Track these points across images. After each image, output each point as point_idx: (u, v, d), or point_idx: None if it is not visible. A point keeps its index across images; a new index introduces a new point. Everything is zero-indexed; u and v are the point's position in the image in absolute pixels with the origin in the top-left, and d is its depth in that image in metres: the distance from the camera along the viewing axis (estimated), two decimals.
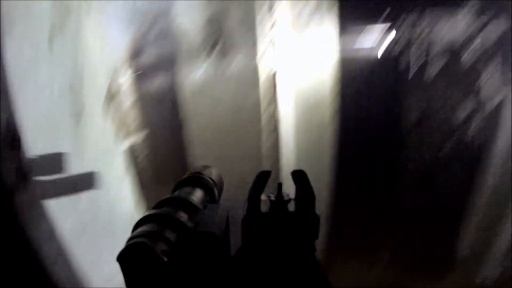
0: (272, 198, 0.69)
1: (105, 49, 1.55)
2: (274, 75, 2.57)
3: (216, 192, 0.86)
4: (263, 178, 0.66)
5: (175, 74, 2.92)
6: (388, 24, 2.52)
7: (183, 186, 0.79)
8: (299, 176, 0.67)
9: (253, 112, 2.66)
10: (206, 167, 0.93)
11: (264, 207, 0.66)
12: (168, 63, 3.02)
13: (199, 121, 2.97)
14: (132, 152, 3.05)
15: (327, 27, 2.62)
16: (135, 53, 3.09)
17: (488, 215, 2.52)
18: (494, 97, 2.39)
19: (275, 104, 2.61)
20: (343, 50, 2.73)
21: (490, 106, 2.43)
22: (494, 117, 2.44)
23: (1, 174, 0.93)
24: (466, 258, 2.59)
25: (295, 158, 2.76)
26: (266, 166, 2.61)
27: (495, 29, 2.30)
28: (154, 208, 0.68)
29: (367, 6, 2.62)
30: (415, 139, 2.66)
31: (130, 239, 0.56)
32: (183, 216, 0.65)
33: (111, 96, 2.95)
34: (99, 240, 1.38)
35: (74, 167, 1.25)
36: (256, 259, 0.64)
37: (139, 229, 0.59)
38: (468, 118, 2.47)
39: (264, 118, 2.65)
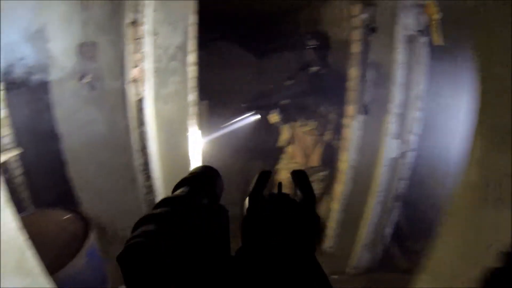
0: (272, 198, 0.68)
1: None
2: (142, 99, 2.83)
3: (216, 192, 0.84)
4: (263, 178, 0.65)
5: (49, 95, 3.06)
6: None
7: (183, 186, 0.78)
8: (299, 176, 0.66)
9: (124, 133, 2.95)
10: (206, 167, 0.91)
11: (264, 207, 0.65)
12: (43, 85, 3.13)
13: (74, 142, 3.14)
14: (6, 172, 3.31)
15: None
16: (7, 70, 3.23)
17: None
18: None
19: (144, 124, 2.88)
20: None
21: None
22: None
23: None
24: None
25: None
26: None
27: None
28: (154, 208, 0.67)
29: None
30: None
31: (129, 239, 0.56)
32: (183, 216, 0.64)
33: None
34: None
35: None
36: (256, 259, 0.62)
37: (139, 229, 0.59)
38: None
39: (134, 137, 2.93)
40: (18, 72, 3.17)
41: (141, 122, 2.84)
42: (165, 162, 3.03)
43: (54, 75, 2.97)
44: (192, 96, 2.92)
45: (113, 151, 3.00)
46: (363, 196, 3.46)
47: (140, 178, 2.98)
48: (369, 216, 3.45)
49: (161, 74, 2.88)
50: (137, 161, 2.92)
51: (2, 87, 3.34)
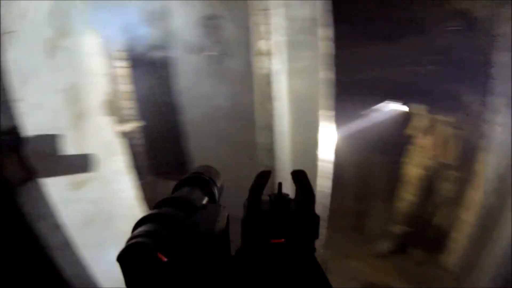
0: (272, 198, 0.67)
1: (102, 50, 1.56)
2: (272, 72, 2.56)
3: (216, 192, 0.86)
4: (263, 178, 0.65)
5: (170, 70, 3.09)
6: None
7: (183, 186, 0.79)
8: (299, 176, 0.66)
9: (248, 108, 2.71)
10: (206, 167, 0.93)
11: (264, 207, 0.64)
12: (164, 60, 3.20)
13: (194, 116, 3.09)
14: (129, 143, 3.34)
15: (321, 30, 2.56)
16: (131, 49, 3.40)
17: None
18: None
19: (270, 101, 2.61)
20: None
21: None
22: None
23: (6, 174, 1.03)
24: None
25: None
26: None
27: None
28: (154, 208, 0.67)
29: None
30: None
31: (130, 239, 0.55)
32: (183, 216, 0.64)
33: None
34: (101, 230, 1.45)
35: (76, 164, 1.30)
36: (256, 259, 0.62)
37: (139, 229, 0.58)
38: None
39: (259, 115, 2.67)
40: (141, 49, 3.36)
41: (267, 98, 2.64)
42: (291, 143, 2.81)
43: (176, 50, 3.00)
44: (325, 73, 2.63)
45: (234, 126, 2.89)
46: (504, 210, 2.77)
47: (262, 156, 2.80)
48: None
49: (291, 47, 2.65)
50: (261, 138, 2.74)
51: (126, 64, 3.59)
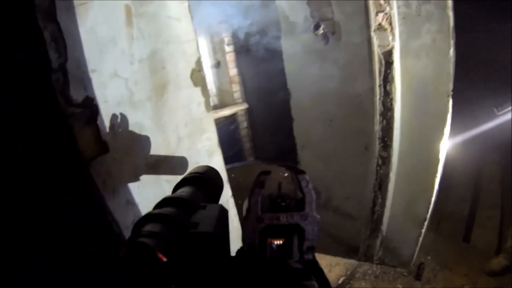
0: (272, 198, 0.66)
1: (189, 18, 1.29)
2: (390, 51, 2.20)
3: (216, 192, 0.87)
4: (263, 178, 0.63)
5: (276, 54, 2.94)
6: None
7: (183, 186, 0.80)
8: (299, 176, 0.63)
9: (362, 92, 2.40)
10: (206, 167, 0.91)
11: (264, 207, 0.63)
12: (271, 40, 3.06)
13: (302, 98, 2.88)
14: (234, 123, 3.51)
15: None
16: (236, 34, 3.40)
17: None
18: None
19: (390, 82, 2.26)
20: None
21: None
22: None
23: (80, 148, 0.98)
24: None
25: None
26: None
27: None
28: (154, 208, 0.68)
29: None
30: None
31: (130, 239, 0.57)
32: (183, 216, 0.65)
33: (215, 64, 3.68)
34: None
35: (155, 142, 1.19)
36: (256, 259, 0.61)
37: (140, 229, 0.59)
38: None
39: (375, 97, 2.31)
40: (247, 32, 3.34)
41: (386, 80, 2.28)
42: (407, 131, 2.39)
43: (284, 31, 2.84)
44: (449, 53, 2.09)
45: (347, 111, 2.61)
46: None
47: (376, 146, 2.46)
48: None
49: (410, 21, 2.18)
50: (376, 125, 2.40)
51: (231, 49, 3.59)
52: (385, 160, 2.45)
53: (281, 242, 0.63)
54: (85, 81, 0.99)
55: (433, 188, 2.34)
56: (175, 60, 1.23)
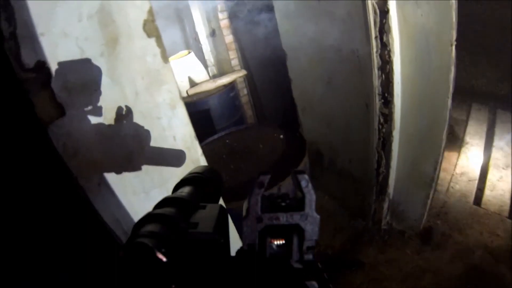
0: (272, 198, 0.65)
1: None
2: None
3: (216, 192, 0.87)
4: (263, 178, 0.61)
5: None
6: None
7: (183, 186, 0.80)
8: (299, 176, 0.63)
9: (360, 47, 2.23)
10: (206, 167, 0.90)
11: (264, 207, 0.62)
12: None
13: (299, 58, 2.74)
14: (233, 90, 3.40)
15: None
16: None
17: None
18: None
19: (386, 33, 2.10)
20: None
21: None
22: None
23: (37, 113, 0.97)
24: None
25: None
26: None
27: None
28: (154, 208, 0.68)
29: None
30: None
31: (130, 239, 0.57)
32: (183, 216, 0.65)
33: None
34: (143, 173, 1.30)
35: (113, 97, 1.15)
36: (256, 259, 0.61)
37: (140, 230, 0.59)
38: None
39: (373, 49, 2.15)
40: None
41: (382, 31, 2.12)
42: (409, 86, 2.24)
43: None
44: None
45: (345, 69, 2.46)
46: None
47: (376, 102, 2.34)
48: None
49: None
50: (375, 81, 2.26)
51: (225, 16, 3.48)
52: (387, 118, 2.32)
53: (281, 242, 0.64)
54: (35, 45, 0.96)
55: (440, 146, 2.22)
56: (125, 12, 1.16)
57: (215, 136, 2.91)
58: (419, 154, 2.36)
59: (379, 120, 2.35)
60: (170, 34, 3.79)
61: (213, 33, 3.63)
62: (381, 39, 2.12)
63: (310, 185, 0.62)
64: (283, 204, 0.64)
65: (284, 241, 0.63)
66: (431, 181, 2.35)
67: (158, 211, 0.65)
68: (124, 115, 1.19)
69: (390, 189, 2.60)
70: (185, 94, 3.32)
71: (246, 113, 3.73)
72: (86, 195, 1.11)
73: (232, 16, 3.49)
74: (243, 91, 3.71)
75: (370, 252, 2.62)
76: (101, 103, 1.12)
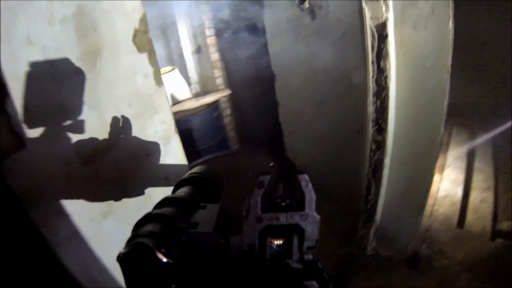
0: (272, 198, 0.66)
1: None
2: (384, 23, 1.96)
3: (216, 192, 0.86)
4: (263, 178, 0.62)
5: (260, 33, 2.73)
6: None
7: (183, 186, 0.79)
8: (299, 177, 0.62)
9: (355, 70, 2.13)
10: (206, 167, 0.89)
11: (264, 207, 0.62)
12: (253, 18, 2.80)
13: (289, 80, 2.66)
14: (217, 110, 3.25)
15: None
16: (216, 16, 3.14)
17: None
18: None
19: (384, 57, 2.01)
20: None
21: None
22: None
23: None
24: None
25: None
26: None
27: None
28: (154, 208, 0.68)
29: None
30: None
31: (130, 239, 0.56)
32: (183, 216, 0.65)
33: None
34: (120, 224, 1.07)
35: (91, 127, 0.91)
36: (256, 259, 0.61)
37: (140, 230, 0.59)
38: None
39: (369, 75, 2.05)
40: (227, 15, 3.08)
41: (379, 56, 2.06)
42: (403, 111, 2.18)
43: (267, 7, 2.59)
44: (451, 24, 1.86)
45: (337, 92, 2.39)
46: None
47: (370, 129, 2.25)
48: None
49: None
50: (370, 106, 2.18)
51: (212, 33, 3.37)
52: (380, 145, 2.25)
53: (281, 242, 0.63)
54: None
55: (432, 173, 2.19)
56: (111, 18, 0.94)
57: (199, 160, 2.75)
58: (410, 181, 2.30)
59: (371, 147, 2.28)
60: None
61: (198, 50, 3.51)
62: (378, 64, 2.06)
63: (310, 185, 0.61)
64: (283, 204, 0.63)
65: (284, 241, 0.63)
66: (421, 207, 2.31)
67: (158, 211, 0.64)
68: (103, 151, 0.97)
69: (378, 216, 2.54)
70: None
71: (229, 134, 3.59)
72: (53, 250, 0.90)
73: (219, 33, 3.39)
74: (227, 111, 3.58)
75: (358, 278, 2.55)
76: (74, 135, 0.90)
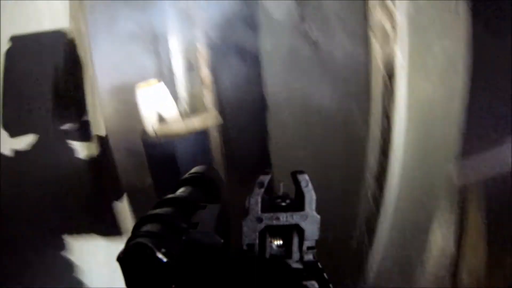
0: (272, 198, 0.67)
1: None
2: (393, 68, 1.76)
3: (216, 192, 0.86)
4: (263, 179, 0.63)
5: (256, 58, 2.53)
6: None
7: (183, 186, 0.81)
8: (299, 176, 0.65)
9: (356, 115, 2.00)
10: (206, 167, 0.91)
11: (264, 207, 0.63)
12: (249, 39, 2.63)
13: (283, 115, 2.54)
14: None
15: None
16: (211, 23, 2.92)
17: None
18: None
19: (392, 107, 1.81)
20: None
21: None
22: None
23: None
24: None
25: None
26: None
27: None
28: (154, 208, 0.69)
29: None
30: None
31: (130, 239, 0.57)
32: (183, 216, 0.66)
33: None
34: None
35: None
36: (256, 259, 0.63)
37: (139, 230, 0.60)
38: None
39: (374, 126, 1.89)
40: (222, 32, 2.92)
41: (387, 104, 1.86)
42: (409, 171, 1.95)
43: (264, 31, 2.44)
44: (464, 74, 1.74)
45: (336, 139, 2.19)
46: None
47: (370, 185, 2.03)
48: None
49: (416, 29, 1.76)
50: (371, 162, 1.98)
51: (204, 49, 3.14)
52: (378, 203, 2.00)
53: (281, 242, 0.64)
54: None
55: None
56: None
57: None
58: (407, 248, 2.12)
59: (370, 204, 2.05)
60: (142, 58, 3.39)
61: (189, 66, 3.27)
62: (384, 113, 1.89)
63: (310, 185, 0.62)
64: (283, 204, 0.64)
65: (284, 241, 0.64)
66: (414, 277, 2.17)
67: (158, 211, 0.66)
68: None
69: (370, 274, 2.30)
70: (151, 131, 2.91)
71: (215, 159, 3.33)
72: None
73: (212, 51, 3.14)
74: (214, 134, 3.33)
75: None
76: None
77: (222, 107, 3.32)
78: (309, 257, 0.63)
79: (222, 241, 0.62)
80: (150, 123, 3.00)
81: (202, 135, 3.08)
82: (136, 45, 3.10)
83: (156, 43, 3.39)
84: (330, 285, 0.57)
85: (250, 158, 3.25)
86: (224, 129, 3.34)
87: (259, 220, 0.61)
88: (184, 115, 3.40)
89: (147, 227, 0.59)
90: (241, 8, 2.55)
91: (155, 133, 2.97)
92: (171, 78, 3.41)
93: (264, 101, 2.57)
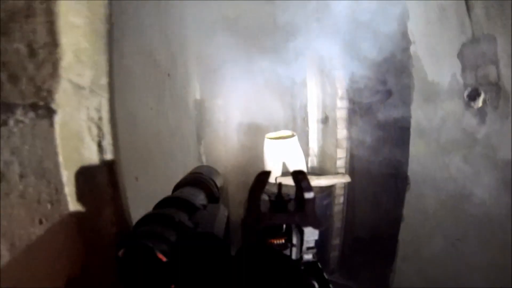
0: (272, 198, 0.66)
1: None
2: None
3: (216, 192, 0.85)
4: (263, 178, 0.62)
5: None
6: None
7: (184, 186, 0.79)
8: (299, 176, 0.64)
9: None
10: (206, 167, 0.91)
11: (264, 207, 0.62)
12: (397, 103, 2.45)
13: (424, 196, 2.05)
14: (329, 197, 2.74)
15: None
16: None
17: None
18: None
19: None
20: None
21: None
22: None
23: None
24: None
25: None
26: None
27: None
28: (155, 208, 0.68)
29: None
30: None
31: (130, 239, 0.56)
32: (183, 216, 0.64)
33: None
34: None
35: None
36: (256, 259, 0.60)
37: (140, 230, 0.58)
38: None
39: None
40: (367, 90, 2.79)
41: None
42: None
43: (417, 94, 2.13)
44: None
45: (485, 237, 1.76)
46: None
47: None
48: None
49: None
50: None
51: (344, 105, 2.97)
52: None
53: (281, 242, 0.63)
54: None
55: None
56: None
57: None
58: None
59: None
60: (275, 106, 3.34)
61: (325, 120, 3.07)
62: None
63: (310, 185, 0.60)
64: (283, 204, 0.64)
65: (284, 241, 0.63)
66: None
67: (158, 211, 0.64)
68: None
69: None
70: (272, 180, 2.77)
71: (334, 225, 2.96)
72: None
73: (352, 108, 2.88)
74: (339, 199, 2.97)
75: None
76: None
77: (352, 168, 3.00)
78: (309, 257, 0.63)
79: (222, 241, 0.61)
80: (275, 172, 2.87)
81: (326, 196, 2.79)
82: (270, 94, 3.14)
83: (292, 92, 3.33)
84: (330, 285, 0.56)
85: (369, 223, 2.82)
86: (350, 191, 2.98)
87: (259, 220, 0.60)
88: (311, 170, 3.19)
89: (148, 228, 0.58)
90: (390, 62, 2.28)
91: (276, 182, 2.82)
92: (304, 129, 3.30)
93: (403, 171, 2.22)
